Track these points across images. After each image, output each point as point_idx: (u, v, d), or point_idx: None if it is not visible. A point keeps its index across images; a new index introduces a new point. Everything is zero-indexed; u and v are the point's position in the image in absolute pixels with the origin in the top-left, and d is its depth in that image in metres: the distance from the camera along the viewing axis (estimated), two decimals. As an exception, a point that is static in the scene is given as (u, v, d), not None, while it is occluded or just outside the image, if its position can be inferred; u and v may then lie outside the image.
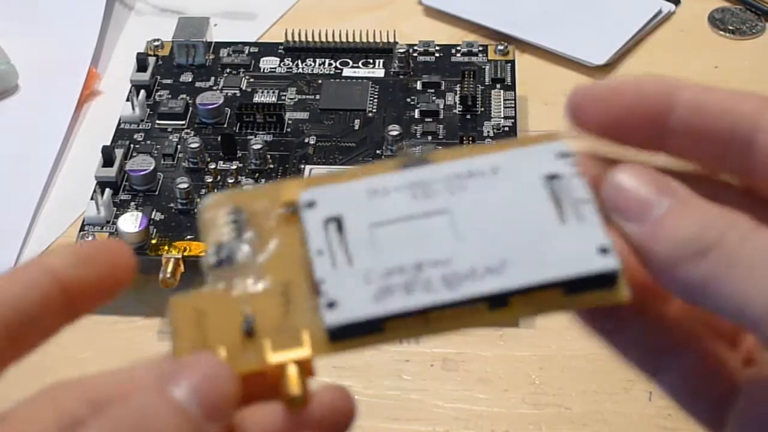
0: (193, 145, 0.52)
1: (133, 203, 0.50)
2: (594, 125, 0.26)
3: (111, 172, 0.51)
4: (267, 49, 0.60)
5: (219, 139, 0.53)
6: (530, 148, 0.27)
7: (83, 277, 0.25)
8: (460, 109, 0.55)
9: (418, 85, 0.57)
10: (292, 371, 0.24)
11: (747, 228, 0.23)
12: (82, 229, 0.49)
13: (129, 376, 0.24)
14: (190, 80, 0.58)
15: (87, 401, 0.24)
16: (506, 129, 0.54)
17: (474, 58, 0.59)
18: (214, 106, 0.55)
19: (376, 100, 0.56)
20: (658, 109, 0.26)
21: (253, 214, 0.26)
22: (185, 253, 0.48)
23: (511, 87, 0.56)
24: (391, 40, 0.59)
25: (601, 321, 0.27)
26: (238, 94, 0.57)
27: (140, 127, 0.55)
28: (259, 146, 0.52)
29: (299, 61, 0.59)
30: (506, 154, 0.27)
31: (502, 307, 0.25)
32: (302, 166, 0.52)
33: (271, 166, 0.52)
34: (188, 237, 0.49)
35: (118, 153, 0.52)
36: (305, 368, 0.24)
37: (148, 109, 0.56)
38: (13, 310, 0.24)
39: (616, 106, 0.26)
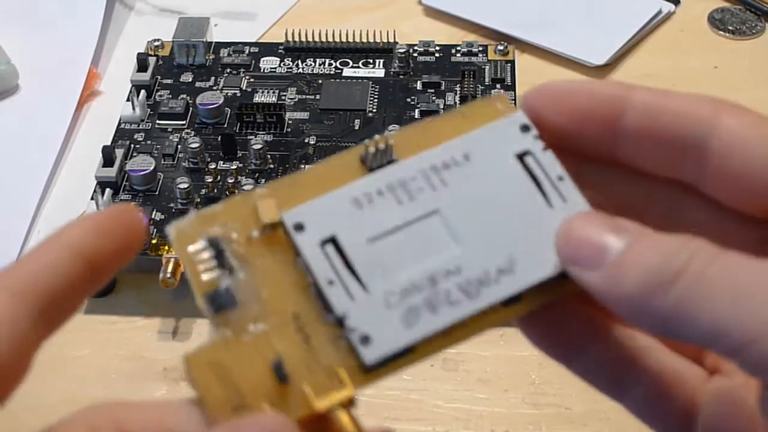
0: (193, 145, 0.52)
1: (133, 203, 0.50)
2: (548, 125, 0.26)
3: (111, 172, 0.51)
4: (267, 49, 0.60)
5: (219, 139, 0.53)
6: (491, 125, 0.26)
7: (104, 248, 0.25)
8: (460, 109, 0.55)
9: (418, 85, 0.57)
10: (345, 417, 0.23)
11: (709, 253, 0.22)
12: (82, 229, 0.49)
13: (163, 413, 0.24)
14: (190, 80, 0.58)
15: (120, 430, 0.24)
16: (506, 129, 0.54)
17: (474, 58, 0.59)
18: (215, 106, 0.55)
19: (376, 100, 0.56)
20: (610, 111, 0.25)
21: (230, 242, 0.25)
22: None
23: (511, 87, 0.56)
24: (391, 40, 0.60)
25: (559, 347, 0.27)
26: (239, 94, 0.57)
27: (140, 127, 0.55)
28: (259, 146, 0.52)
29: (299, 61, 0.59)
30: (471, 136, 0.26)
31: (515, 303, 0.25)
32: (302, 166, 0.52)
33: (271, 166, 0.52)
34: (188, 237, 0.49)
35: (119, 153, 0.52)
36: (349, 404, 0.24)
37: (149, 109, 0.56)
38: (44, 292, 0.24)
39: (569, 107, 0.26)
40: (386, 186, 0.26)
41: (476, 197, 0.26)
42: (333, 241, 0.25)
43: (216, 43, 0.60)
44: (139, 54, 0.58)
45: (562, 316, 0.26)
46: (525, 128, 0.26)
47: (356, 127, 0.55)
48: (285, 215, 0.25)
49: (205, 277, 0.25)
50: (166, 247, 0.48)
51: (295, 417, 0.23)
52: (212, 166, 0.52)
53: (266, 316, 0.24)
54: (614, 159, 0.25)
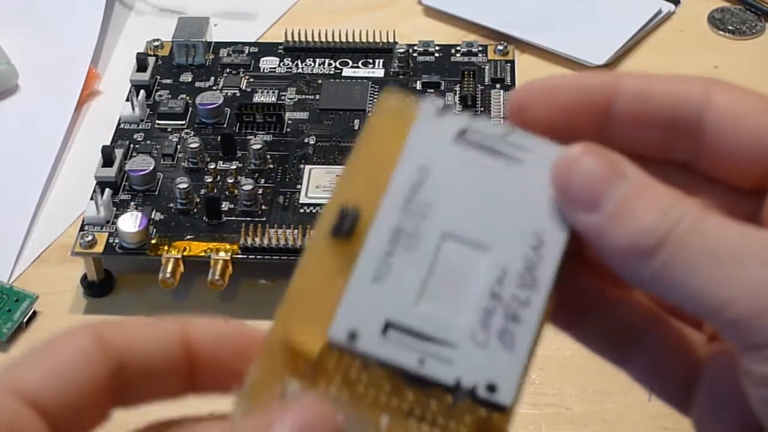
0: (192, 145, 0.52)
1: (132, 203, 0.50)
2: (539, 122, 0.26)
3: (111, 172, 0.51)
4: (267, 49, 0.60)
5: (219, 139, 0.53)
6: (415, 129, 0.26)
7: (215, 355, 0.25)
8: (460, 109, 0.55)
9: (418, 85, 0.57)
10: None
11: (695, 215, 0.23)
12: (81, 229, 0.49)
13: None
14: (189, 80, 0.58)
15: None
16: (506, 129, 0.54)
17: (474, 58, 0.59)
18: (214, 106, 0.55)
19: (375, 100, 0.56)
20: (600, 99, 0.25)
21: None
22: (185, 253, 0.48)
23: (511, 87, 0.56)
24: (391, 40, 0.59)
25: (564, 315, 0.27)
26: (238, 94, 0.57)
27: (140, 127, 0.55)
28: (258, 146, 0.52)
29: (299, 61, 0.59)
30: (409, 150, 0.25)
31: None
32: (302, 166, 0.52)
33: (271, 166, 0.52)
34: (188, 237, 0.49)
35: (118, 153, 0.52)
36: None
37: (148, 109, 0.56)
38: (136, 353, 0.24)
39: (559, 100, 0.26)
40: (388, 244, 0.25)
41: (461, 199, 0.25)
42: (389, 326, 0.24)
43: (216, 43, 0.60)
44: (138, 54, 0.58)
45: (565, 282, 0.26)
46: (441, 112, 0.26)
47: (356, 127, 0.55)
48: (332, 335, 0.24)
49: None
50: (166, 247, 0.48)
51: None
52: (212, 166, 0.52)
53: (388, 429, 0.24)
54: (606, 145, 0.25)
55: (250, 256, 0.48)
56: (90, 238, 0.48)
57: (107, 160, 0.52)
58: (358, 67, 0.59)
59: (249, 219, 0.49)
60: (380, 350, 0.24)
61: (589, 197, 0.24)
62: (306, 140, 0.54)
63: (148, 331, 0.24)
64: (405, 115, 0.26)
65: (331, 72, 0.58)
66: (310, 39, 0.60)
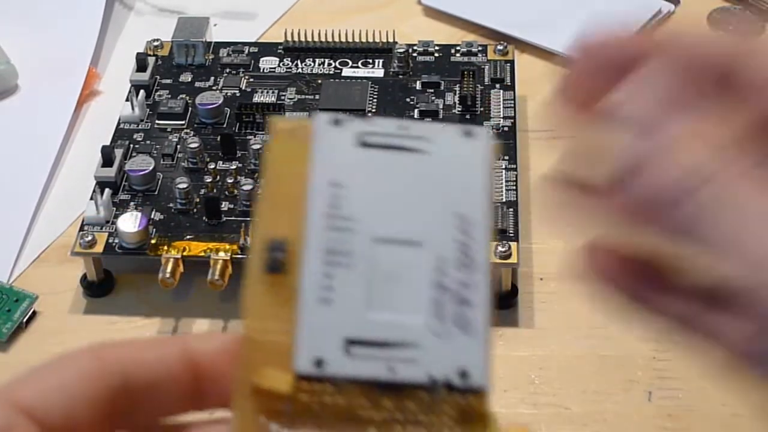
0: (192, 145, 0.52)
1: (132, 203, 0.50)
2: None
3: (110, 172, 0.51)
4: (266, 49, 0.60)
5: (218, 139, 0.53)
6: (317, 148, 0.26)
7: (217, 369, 0.25)
8: (460, 109, 0.55)
9: (418, 85, 0.57)
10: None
11: (736, 172, 0.23)
12: (81, 228, 0.49)
13: None
14: (189, 80, 0.58)
15: None
16: (506, 129, 0.54)
17: (473, 58, 0.59)
18: (214, 106, 0.55)
19: (375, 100, 0.56)
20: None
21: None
22: (185, 253, 0.48)
23: (511, 87, 0.56)
24: (391, 40, 0.59)
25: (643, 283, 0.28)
26: (238, 94, 0.57)
27: (140, 127, 0.55)
28: (258, 146, 0.52)
29: (299, 61, 0.59)
30: (317, 168, 0.26)
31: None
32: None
33: (271, 166, 0.52)
34: (188, 237, 0.49)
35: (118, 153, 0.52)
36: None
37: (148, 109, 0.56)
38: (138, 372, 0.24)
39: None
40: (324, 266, 0.25)
41: (380, 202, 0.26)
42: (350, 343, 0.24)
43: (215, 43, 0.60)
44: (138, 54, 0.58)
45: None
46: (335, 122, 0.26)
47: (356, 127, 0.54)
48: (299, 368, 0.24)
49: None
50: (166, 247, 0.48)
51: None
52: (211, 166, 0.52)
53: None
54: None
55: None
56: (90, 238, 0.48)
57: (107, 160, 0.52)
58: (357, 67, 0.58)
59: (249, 219, 0.49)
60: (349, 369, 0.24)
61: (650, 120, 0.24)
62: (306, 140, 0.54)
63: (150, 348, 0.24)
64: (301, 134, 0.26)
65: (331, 72, 0.58)
66: (309, 39, 0.60)
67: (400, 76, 0.58)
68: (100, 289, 0.49)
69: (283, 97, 0.57)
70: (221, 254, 0.47)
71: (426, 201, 0.26)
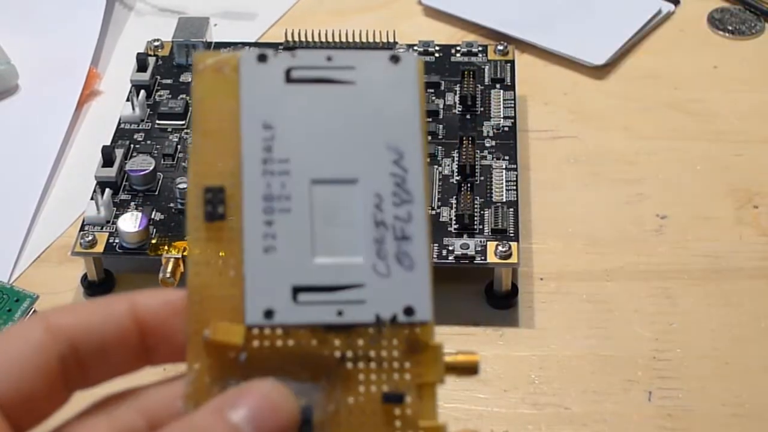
0: (192, 145, 0.52)
1: (133, 203, 0.50)
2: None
3: (111, 172, 0.51)
4: (267, 49, 0.60)
5: (219, 139, 0.53)
6: (245, 85, 0.26)
7: (164, 324, 0.25)
8: (460, 109, 0.55)
9: (418, 85, 0.57)
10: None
11: None
12: (82, 228, 0.49)
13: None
14: (190, 80, 0.58)
15: (142, 414, 0.25)
16: (506, 129, 0.54)
17: (474, 58, 0.59)
18: (214, 106, 0.55)
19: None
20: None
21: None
22: (185, 253, 0.48)
23: (511, 87, 0.56)
24: (391, 40, 0.59)
25: None
26: (238, 94, 0.57)
27: (140, 127, 0.55)
28: (258, 146, 0.52)
29: (299, 61, 0.59)
30: (245, 108, 0.26)
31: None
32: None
33: (271, 166, 0.52)
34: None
35: (118, 153, 0.52)
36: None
37: (148, 109, 0.56)
38: (86, 335, 0.24)
39: None
40: (263, 214, 0.25)
41: (313, 141, 0.26)
42: (297, 290, 0.25)
43: (216, 43, 0.60)
44: (138, 54, 0.58)
45: None
46: (261, 58, 0.26)
47: (356, 127, 0.54)
48: (249, 320, 0.25)
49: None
50: (166, 247, 0.48)
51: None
52: (212, 166, 0.52)
53: (338, 388, 0.25)
54: None
55: (250, 256, 0.48)
56: (90, 238, 0.48)
57: (107, 160, 0.52)
58: (358, 67, 0.58)
59: (249, 219, 0.49)
60: (298, 316, 0.25)
61: None
62: (306, 140, 0.54)
63: (96, 310, 0.25)
64: (227, 71, 0.26)
65: (331, 72, 0.58)
66: (310, 39, 0.60)
67: (401, 76, 0.58)
68: (100, 289, 0.49)
69: (283, 97, 0.56)
70: (221, 254, 0.47)
71: (359, 135, 0.26)
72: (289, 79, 0.26)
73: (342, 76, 0.26)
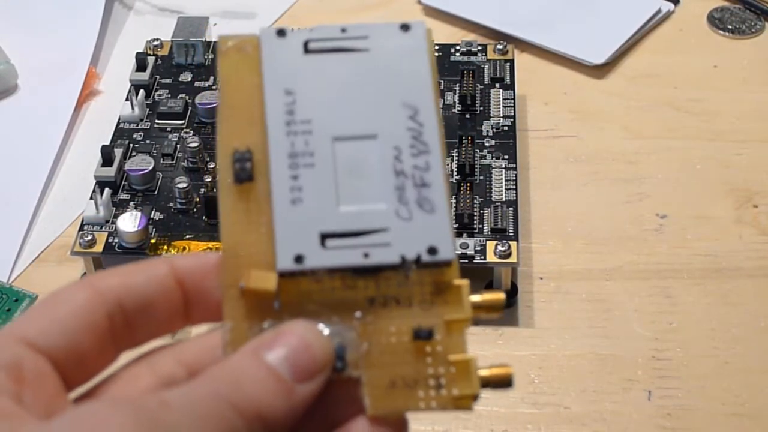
0: (192, 145, 0.52)
1: (132, 203, 0.50)
2: None
3: (110, 171, 0.51)
4: (266, 48, 0.60)
5: (218, 138, 0.53)
6: (265, 57, 0.28)
7: (202, 285, 0.27)
8: (460, 109, 0.55)
9: (418, 85, 0.57)
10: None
11: None
12: (81, 228, 0.49)
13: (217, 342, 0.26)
14: (189, 80, 0.58)
15: (182, 364, 0.27)
16: (505, 128, 0.54)
17: (473, 58, 0.59)
18: (214, 105, 0.55)
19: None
20: None
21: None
22: (184, 253, 0.48)
23: (511, 86, 0.56)
24: (391, 39, 0.59)
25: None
26: (238, 94, 0.57)
27: (139, 126, 0.55)
28: (258, 146, 0.52)
29: (298, 61, 0.59)
30: (267, 78, 0.28)
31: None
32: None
33: (271, 165, 0.52)
34: (187, 236, 0.49)
35: (118, 152, 0.52)
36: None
37: (148, 109, 0.56)
38: (131, 295, 0.26)
39: None
40: (289, 170, 0.27)
41: (332, 103, 0.28)
42: (324, 237, 0.27)
43: (215, 42, 0.60)
44: (138, 53, 0.58)
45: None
46: (280, 34, 0.29)
47: (355, 127, 0.54)
48: (280, 266, 0.26)
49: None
50: (165, 247, 0.48)
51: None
52: (211, 165, 0.52)
53: (371, 328, 0.27)
54: None
55: (250, 256, 0.48)
56: (89, 237, 0.48)
57: (107, 159, 0.52)
58: (357, 66, 0.58)
59: (248, 218, 0.49)
60: (327, 260, 0.27)
61: None
62: (305, 140, 0.54)
63: (138, 271, 0.27)
64: (250, 48, 0.29)
65: (331, 71, 0.58)
66: (309, 38, 0.60)
67: (400, 76, 0.58)
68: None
69: (282, 97, 0.56)
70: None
71: (375, 95, 0.28)
72: (307, 50, 0.29)
73: (356, 45, 0.29)
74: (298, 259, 0.27)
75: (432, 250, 0.27)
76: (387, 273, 0.27)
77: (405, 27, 0.30)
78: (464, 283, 0.27)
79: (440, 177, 0.27)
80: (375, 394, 0.26)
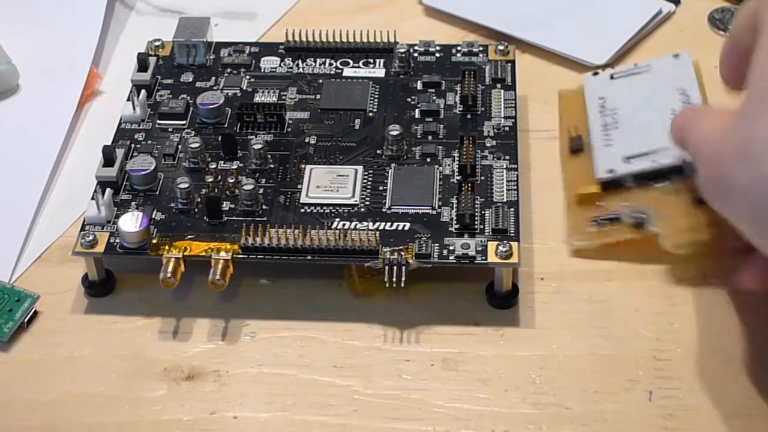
0: (193, 145, 0.52)
1: (133, 203, 0.50)
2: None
3: (112, 171, 0.51)
4: (267, 49, 0.60)
5: (219, 138, 0.53)
6: (587, 86, 0.56)
7: None
8: (461, 109, 0.55)
9: (419, 85, 0.57)
10: None
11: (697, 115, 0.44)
12: (82, 228, 0.49)
13: None
14: (190, 80, 0.58)
15: None
16: (507, 129, 0.54)
17: (474, 58, 0.59)
18: (215, 105, 0.55)
19: (376, 100, 0.56)
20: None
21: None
22: (186, 253, 0.48)
23: (512, 87, 0.56)
24: (392, 39, 0.60)
25: None
26: (239, 94, 0.57)
27: (141, 126, 0.55)
28: (259, 146, 0.52)
29: (300, 61, 0.59)
30: (588, 94, 0.55)
31: None
32: (303, 166, 0.52)
33: (272, 165, 0.52)
34: (189, 237, 0.49)
35: (119, 153, 0.52)
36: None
37: (149, 109, 0.56)
38: None
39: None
40: (603, 130, 0.51)
41: (629, 99, 0.52)
42: (626, 158, 0.49)
43: (216, 42, 0.60)
44: (139, 54, 0.58)
45: None
46: (595, 73, 0.55)
47: (356, 127, 0.55)
48: (598, 175, 0.50)
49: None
50: (167, 247, 0.48)
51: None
52: (213, 165, 0.52)
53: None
54: None
55: (251, 256, 0.48)
56: (91, 237, 0.48)
57: (108, 159, 0.52)
58: (358, 67, 0.59)
59: (250, 219, 0.49)
60: (630, 168, 0.49)
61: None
62: (307, 140, 0.54)
63: None
64: (576, 91, 0.56)
65: (332, 72, 0.58)
66: (310, 39, 0.60)
67: (401, 76, 0.58)
68: (101, 288, 0.49)
69: (284, 97, 0.57)
70: (222, 254, 0.47)
71: (657, 89, 0.52)
72: (611, 78, 0.54)
73: (643, 71, 0.53)
74: (610, 171, 0.49)
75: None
76: (667, 182, 0.48)
77: (676, 55, 0.54)
78: None
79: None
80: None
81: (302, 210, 0.50)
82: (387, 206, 0.50)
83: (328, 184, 0.51)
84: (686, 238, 0.46)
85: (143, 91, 0.56)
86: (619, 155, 0.49)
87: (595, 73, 0.53)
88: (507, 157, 0.52)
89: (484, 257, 0.47)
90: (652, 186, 0.48)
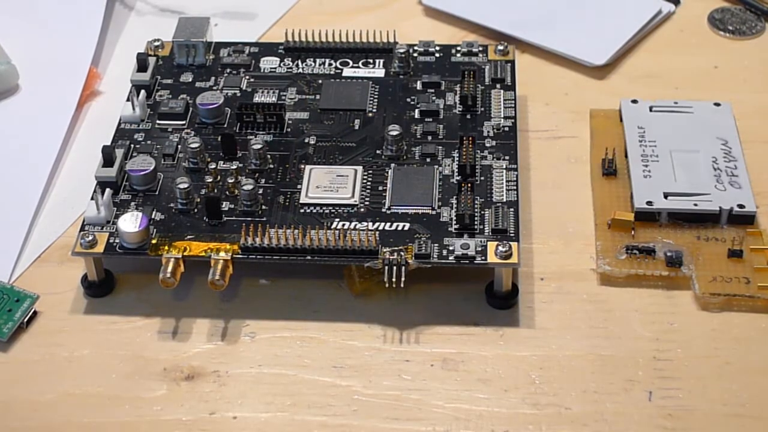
0: (193, 145, 0.52)
1: (133, 203, 0.50)
2: None
3: (111, 172, 0.51)
4: (267, 49, 0.60)
5: (219, 139, 0.53)
6: (624, 112, 0.56)
7: None
8: (460, 109, 0.55)
9: (418, 85, 0.57)
10: None
11: None
12: (82, 229, 0.49)
13: None
14: (190, 80, 0.58)
15: None
16: (506, 129, 0.54)
17: (474, 58, 0.59)
18: (215, 106, 0.55)
19: (376, 100, 0.56)
20: None
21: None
22: (185, 253, 0.48)
23: (511, 87, 0.56)
24: (391, 40, 0.60)
25: None
26: (239, 94, 0.57)
27: (140, 127, 0.55)
28: (259, 146, 0.52)
29: (299, 61, 0.59)
30: (626, 121, 0.55)
31: None
32: (302, 166, 0.52)
33: (271, 166, 0.52)
34: (188, 237, 0.49)
35: (119, 153, 0.52)
36: None
37: (149, 109, 0.56)
38: None
39: None
40: (642, 162, 0.52)
41: (669, 135, 0.53)
42: (666, 195, 0.50)
43: (216, 43, 0.60)
44: (139, 54, 0.58)
45: None
46: (634, 101, 0.55)
47: (356, 127, 0.55)
48: (637, 204, 0.50)
49: None
50: (166, 247, 0.48)
51: None
52: (212, 166, 0.52)
53: None
54: None
55: (251, 256, 0.48)
56: (90, 238, 0.48)
57: (108, 160, 0.52)
58: (358, 67, 0.59)
59: (249, 219, 0.49)
60: (668, 205, 0.49)
61: None
62: (306, 140, 0.54)
63: None
64: (609, 112, 0.56)
65: (332, 72, 0.58)
66: (310, 39, 0.60)
67: (401, 76, 0.58)
68: (100, 289, 0.49)
69: (283, 97, 0.57)
70: (222, 254, 0.47)
71: (698, 133, 0.53)
72: (651, 110, 0.55)
73: (684, 110, 0.54)
74: (649, 203, 0.49)
75: (740, 206, 0.48)
76: (708, 225, 0.49)
77: (717, 104, 0.55)
78: (763, 230, 0.49)
79: (745, 174, 0.50)
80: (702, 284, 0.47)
81: (302, 210, 0.50)
82: (387, 206, 0.50)
83: (327, 184, 0.51)
84: (718, 289, 0.47)
85: (143, 92, 0.56)
86: (659, 189, 0.49)
87: (634, 101, 0.54)
88: (506, 158, 0.52)
89: (483, 257, 0.47)
90: (686, 227, 0.49)
